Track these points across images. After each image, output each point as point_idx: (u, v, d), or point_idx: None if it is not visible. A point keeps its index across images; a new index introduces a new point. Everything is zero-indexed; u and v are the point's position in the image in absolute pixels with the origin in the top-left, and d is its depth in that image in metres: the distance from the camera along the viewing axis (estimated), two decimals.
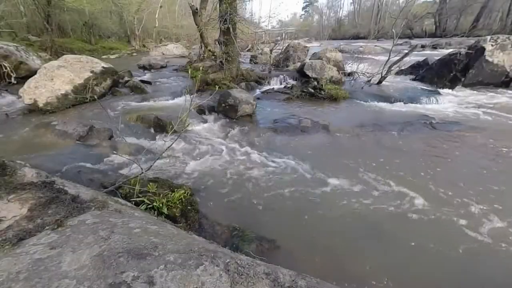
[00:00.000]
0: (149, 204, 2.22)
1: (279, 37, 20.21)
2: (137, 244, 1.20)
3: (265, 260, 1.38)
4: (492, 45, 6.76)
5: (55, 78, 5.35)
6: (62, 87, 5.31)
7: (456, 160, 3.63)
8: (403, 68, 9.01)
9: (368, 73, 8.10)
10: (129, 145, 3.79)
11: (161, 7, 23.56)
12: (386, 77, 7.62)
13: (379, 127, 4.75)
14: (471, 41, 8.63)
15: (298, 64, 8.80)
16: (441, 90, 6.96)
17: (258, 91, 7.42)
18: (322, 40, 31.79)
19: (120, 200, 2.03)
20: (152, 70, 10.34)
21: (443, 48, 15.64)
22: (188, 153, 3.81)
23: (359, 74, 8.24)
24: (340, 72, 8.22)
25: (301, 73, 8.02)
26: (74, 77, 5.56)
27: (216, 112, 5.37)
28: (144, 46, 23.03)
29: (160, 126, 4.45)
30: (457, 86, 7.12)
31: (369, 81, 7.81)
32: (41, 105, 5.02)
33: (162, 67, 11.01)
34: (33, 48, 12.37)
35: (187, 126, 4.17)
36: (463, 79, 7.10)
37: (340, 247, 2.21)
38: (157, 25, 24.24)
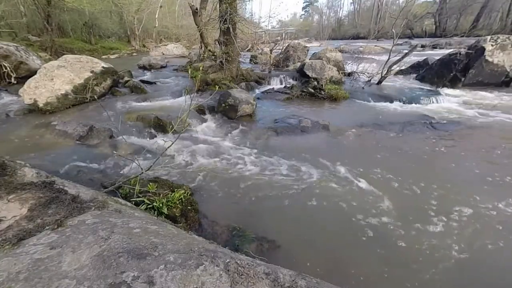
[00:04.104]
0: (149, 204, 2.22)
1: (279, 37, 20.20)
2: (137, 244, 1.20)
3: (265, 260, 1.38)
4: (492, 45, 6.76)
5: (55, 78, 5.35)
6: (62, 87, 5.31)
7: (456, 160, 3.62)
8: (403, 68, 9.02)
9: (368, 73, 8.10)
10: (129, 145, 3.79)
11: (161, 7, 23.56)
12: (386, 77, 7.62)
13: (379, 127, 4.75)
14: (471, 41, 8.62)
15: (298, 64, 8.80)
16: (441, 90, 6.96)
17: (258, 91, 7.42)
18: (322, 40, 31.77)
19: (120, 200, 2.03)
20: (152, 70, 10.34)
21: (443, 48, 15.64)
22: (188, 153, 3.80)
23: (359, 74, 8.24)
24: (340, 72, 8.22)
25: (301, 73, 8.02)
26: (74, 77, 5.56)
27: (216, 112, 5.37)
28: (144, 46, 23.04)
29: (160, 126, 4.45)
30: (457, 86, 7.12)
31: (369, 81, 7.81)
32: (41, 105, 5.02)
33: (162, 67, 11.02)
34: (33, 48, 12.37)
35: (187, 126, 4.17)
36: (463, 79, 7.10)
37: (340, 247, 2.21)
38: (157, 25, 24.24)
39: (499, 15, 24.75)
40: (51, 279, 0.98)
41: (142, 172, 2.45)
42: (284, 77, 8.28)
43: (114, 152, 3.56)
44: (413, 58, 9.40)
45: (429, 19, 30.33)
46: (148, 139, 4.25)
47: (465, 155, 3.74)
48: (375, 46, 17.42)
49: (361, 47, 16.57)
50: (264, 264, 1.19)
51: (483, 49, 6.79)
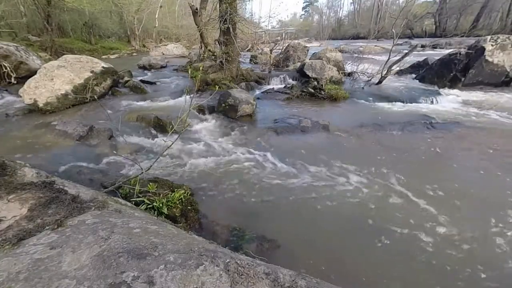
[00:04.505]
0: (149, 204, 2.22)
1: (279, 37, 20.21)
2: (137, 244, 1.20)
3: (265, 260, 1.37)
4: (492, 45, 6.76)
5: (55, 78, 5.35)
6: (62, 87, 5.31)
7: (456, 159, 3.62)
8: (403, 68, 9.01)
9: (368, 73, 8.10)
10: (129, 145, 3.79)
11: (161, 7, 23.55)
12: (386, 77, 7.62)
13: (379, 127, 4.75)
14: (471, 41, 8.62)
15: (298, 64, 8.80)
16: (441, 90, 6.96)
17: (258, 91, 7.42)
18: (322, 40, 31.78)
19: (120, 200, 2.03)
20: (152, 70, 10.35)
21: (443, 48, 15.63)
22: (188, 153, 3.80)
23: (359, 74, 8.24)
24: (340, 72, 8.22)
25: (301, 73, 8.02)
26: (74, 77, 5.56)
27: (216, 112, 5.37)
28: (144, 46, 23.03)
29: (160, 126, 4.46)
30: (457, 86, 7.12)
31: (369, 81, 7.81)
32: (41, 105, 5.02)
33: (162, 67, 11.02)
34: (33, 48, 12.36)
35: (187, 126, 4.16)
36: (463, 79, 7.10)
37: (340, 247, 2.21)
38: (157, 25, 24.24)
39: (499, 15, 24.74)
40: (51, 279, 0.98)
41: (142, 172, 2.44)
42: (284, 77, 8.28)
43: (114, 152, 3.56)
44: (413, 58, 9.40)
45: (429, 19, 30.33)
46: (148, 139, 4.25)
47: (466, 155, 3.74)
48: (375, 46, 17.43)
49: (361, 47, 16.58)
50: (264, 264, 1.19)
51: (483, 49, 6.79)
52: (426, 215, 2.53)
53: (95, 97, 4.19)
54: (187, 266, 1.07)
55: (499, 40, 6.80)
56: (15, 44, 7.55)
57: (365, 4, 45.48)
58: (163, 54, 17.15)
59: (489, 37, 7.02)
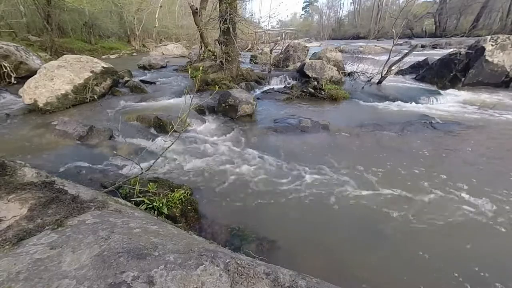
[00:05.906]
0: (149, 204, 2.22)
1: (279, 37, 20.22)
2: (137, 244, 1.20)
3: (265, 260, 1.37)
4: (492, 45, 6.76)
5: (55, 78, 5.35)
6: (62, 87, 5.31)
7: (456, 159, 3.62)
8: (403, 68, 9.02)
9: (368, 73, 8.11)
10: (129, 145, 3.79)
11: (161, 7, 23.50)
12: (386, 77, 7.63)
13: (379, 127, 4.75)
14: (471, 41, 8.63)
15: (298, 64, 8.80)
16: (441, 90, 6.96)
17: (258, 91, 7.42)
18: (322, 40, 31.82)
19: (120, 200, 2.03)
20: (152, 70, 10.34)
21: (443, 48, 15.64)
22: (188, 153, 3.80)
23: (359, 74, 8.24)
24: (340, 72, 8.22)
25: (301, 73, 8.02)
26: (74, 77, 5.55)
27: (216, 112, 5.37)
28: (144, 46, 23.02)
29: (160, 126, 4.45)
30: (457, 86, 7.12)
31: (369, 81, 7.81)
32: (41, 105, 5.02)
33: (162, 67, 11.02)
34: (33, 48, 12.37)
35: (187, 126, 4.17)
36: (463, 79, 7.10)
37: (340, 247, 2.21)
38: (157, 25, 24.19)
39: (499, 15, 24.74)
40: (51, 279, 0.98)
41: (142, 172, 2.45)
42: (284, 77, 8.28)
43: (114, 152, 3.56)
44: (413, 58, 9.40)
45: (429, 19, 30.32)
46: (148, 139, 4.24)
47: (465, 155, 3.74)
48: (375, 46, 17.42)
49: (361, 47, 16.58)
50: (264, 264, 1.19)
51: (483, 49, 6.80)
52: (426, 213, 2.53)
53: (95, 97, 4.18)
54: (187, 266, 1.07)
55: (499, 40, 6.80)
56: (15, 44, 7.54)
57: (365, 4, 45.48)
58: (163, 54, 17.13)
59: (489, 37, 7.03)
